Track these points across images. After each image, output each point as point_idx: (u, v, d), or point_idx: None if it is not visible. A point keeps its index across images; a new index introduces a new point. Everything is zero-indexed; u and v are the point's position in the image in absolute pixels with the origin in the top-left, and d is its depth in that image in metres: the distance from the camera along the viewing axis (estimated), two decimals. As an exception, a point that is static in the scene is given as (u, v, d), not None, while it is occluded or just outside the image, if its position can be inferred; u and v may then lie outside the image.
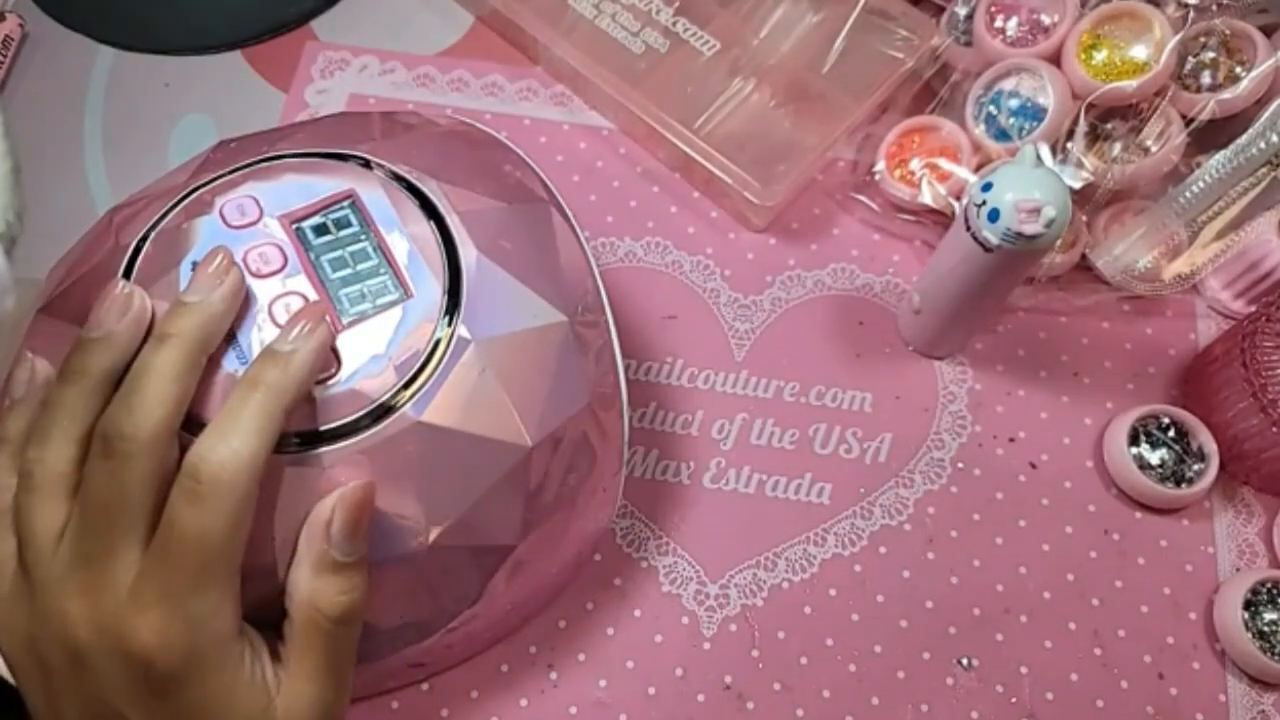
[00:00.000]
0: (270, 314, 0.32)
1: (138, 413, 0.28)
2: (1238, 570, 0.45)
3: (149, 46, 0.57)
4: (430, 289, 0.33)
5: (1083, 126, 0.47)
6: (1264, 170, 0.45)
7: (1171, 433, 0.46)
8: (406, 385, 0.32)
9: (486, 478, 0.33)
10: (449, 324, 0.33)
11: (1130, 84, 0.46)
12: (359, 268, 0.33)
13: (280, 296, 0.32)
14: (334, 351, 0.32)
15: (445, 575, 0.34)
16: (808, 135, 0.51)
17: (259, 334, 0.32)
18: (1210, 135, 0.46)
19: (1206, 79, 0.46)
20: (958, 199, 0.48)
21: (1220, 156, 0.45)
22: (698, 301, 0.50)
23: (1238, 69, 0.46)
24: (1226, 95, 0.46)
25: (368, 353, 0.32)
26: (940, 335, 0.47)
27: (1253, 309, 0.46)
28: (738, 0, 0.55)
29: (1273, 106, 0.45)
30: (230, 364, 0.31)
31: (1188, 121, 0.46)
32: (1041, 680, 0.43)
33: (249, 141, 0.39)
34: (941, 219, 0.50)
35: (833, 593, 0.44)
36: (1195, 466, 0.45)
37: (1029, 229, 0.37)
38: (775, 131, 0.52)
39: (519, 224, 0.36)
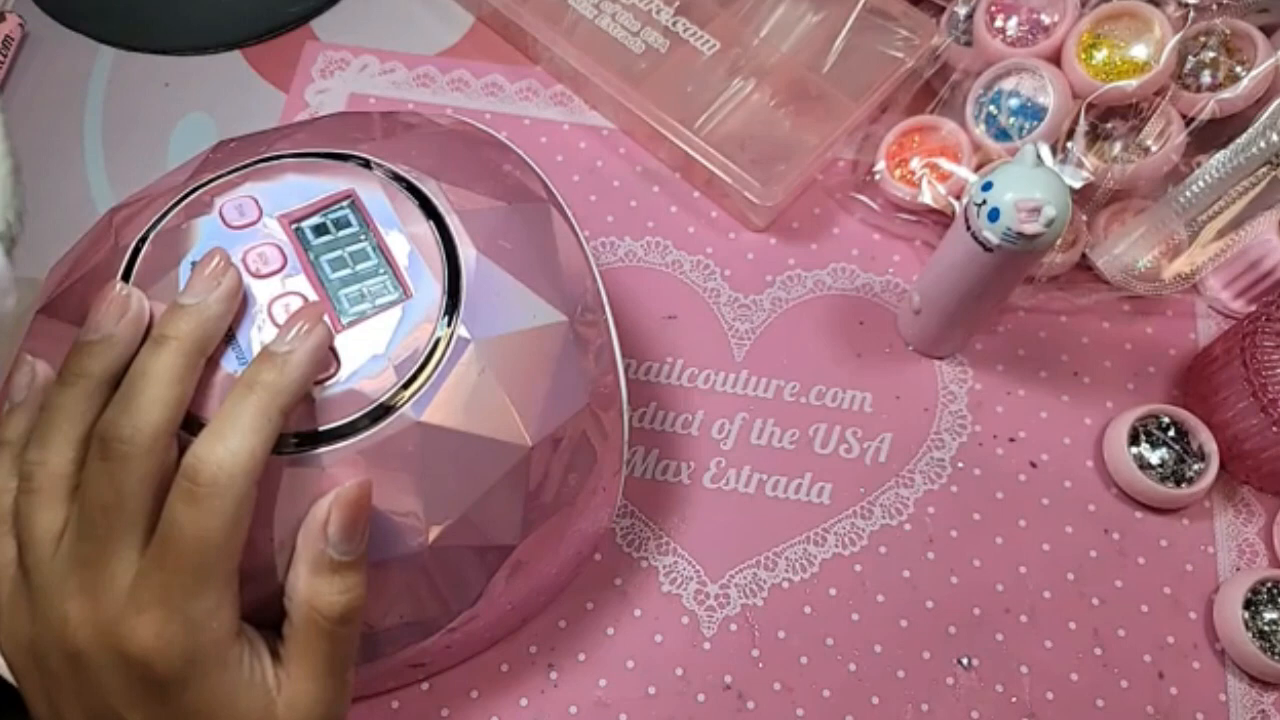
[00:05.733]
0: (270, 314, 0.32)
1: (136, 415, 0.28)
2: (1238, 570, 0.45)
3: (149, 46, 0.57)
4: (430, 289, 0.33)
5: (1083, 126, 0.47)
6: (1264, 170, 0.45)
7: (1171, 432, 0.46)
8: (406, 385, 0.32)
9: (486, 478, 0.33)
10: (448, 324, 0.33)
11: (1130, 84, 0.46)
12: (358, 268, 0.33)
13: (280, 297, 0.32)
14: (333, 351, 0.32)
15: (445, 575, 0.34)
16: (808, 135, 0.51)
17: (259, 334, 0.32)
18: (1210, 135, 0.46)
19: (1206, 79, 0.46)
20: (958, 199, 0.48)
21: (1220, 156, 0.45)
22: (698, 301, 0.50)
23: (1238, 69, 0.46)
24: (1226, 95, 0.46)
25: (367, 353, 0.32)
26: (940, 335, 0.47)
27: (1253, 309, 0.46)
28: (738, 0, 0.55)
29: (1273, 106, 0.45)
30: (230, 364, 0.31)
31: (1188, 121, 0.46)
32: (1041, 680, 0.43)
33: (249, 141, 0.39)
34: (941, 219, 0.50)
35: (833, 592, 0.44)
36: (1195, 466, 0.45)
37: (1029, 228, 0.37)
38: (775, 131, 0.52)
39: (519, 224, 0.36)
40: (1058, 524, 0.46)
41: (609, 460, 0.38)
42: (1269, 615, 0.43)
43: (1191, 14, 0.46)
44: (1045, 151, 0.45)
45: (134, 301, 0.31)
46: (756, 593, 0.44)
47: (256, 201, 0.34)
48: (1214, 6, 0.47)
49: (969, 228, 0.39)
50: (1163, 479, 0.45)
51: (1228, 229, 0.46)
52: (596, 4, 0.55)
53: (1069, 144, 0.47)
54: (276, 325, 0.32)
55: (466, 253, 0.34)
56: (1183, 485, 0.45)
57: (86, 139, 0.55)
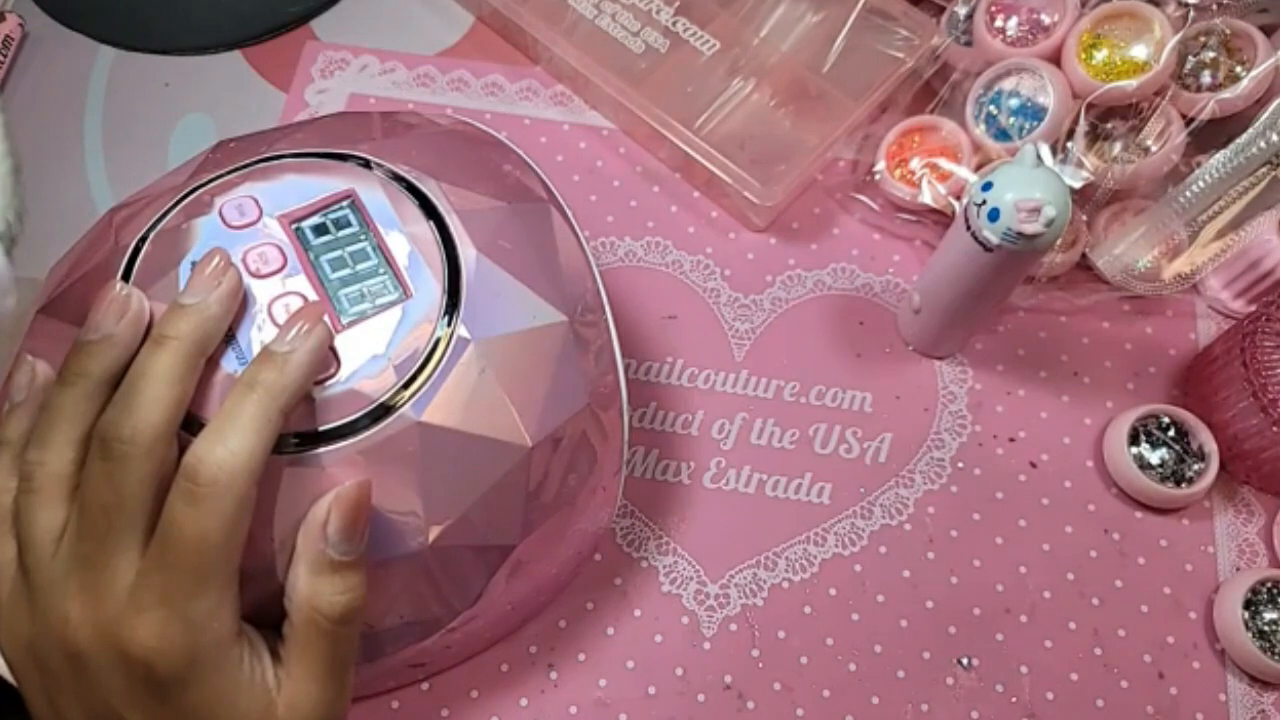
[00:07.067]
0: (270, 314, 0.32)
1: (136, 415, 0.28)
2: (1238, 570, 0.45)
3: (149, 46, 0.57)
4: (430, 289, 0.33)
5: (1083, 126, 0.47)
6: (1264, 170, 0.45)
7: (1171, 432, 0.46)
8: (406, 385, 0.32)
9: (486, 478, 0.33)
10: (448, 324, 0.33)
11: (1130, 84, 0.46)
12: (358, 268, 0.33)
13: (280, 297, 0.32)
14: (333, 351, 0.32)
15: (445, 575, 0.34)
16: (808, 135, 0.51)
17: (259, 334, 0.32)
18: (1210, 135, 0.46)
19: (1206, 79, 0.46)
20: (958, 199, 0.48)
21: (1220, 156, 0.45)
22: (698, 301, 0.50)
23: (1238, 69, 0.46)
24: (1226, 95, 0.46)
25: (367, 353, 0.32)
26: (940, 335, 0.47)
27: (1253, 309, 0.46)
28: (738, 0, 0.55)
29: (1273, 106, 0.45)
30: (230, 364, 0.31)
31: (1188, 121, 0.46)
32: (1041, 680, 0.43)
33: (249, 141, 0.39)
34: (941, 219, 0.50)
35: (833, 592, 0.44)
36: (1195, 466, 0.45)
37: (1029, 228, 0.37)
38: (775, 131, 0.52)
39: (519, 224, 0.36)
40: (1058, 524, 0.46)
41: (609, 460, 0.38)
42: (1269, 615, 0.43)
43: (1191, 14, 0.46)
44: (1045, 151, 0.45)
45: (134, 301, 0.31)
46: (756, 593, 0.44)
47: (256, 201, 0.34)
48: (1214, 6, 0.47)
49: (969, 228, 0.39)
50: (1163, 479, 0.45)
51: (1228, 229, 0.46)
52: (596, 4, 0.55)
53: (1069, 144, 0.47)
54: (276, 325, 0.32)
55: (466, 253, 0.34)
56: (1183, 485, 0.45)
57: (86, 139, 0.55)
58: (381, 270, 0.33)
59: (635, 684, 0.43)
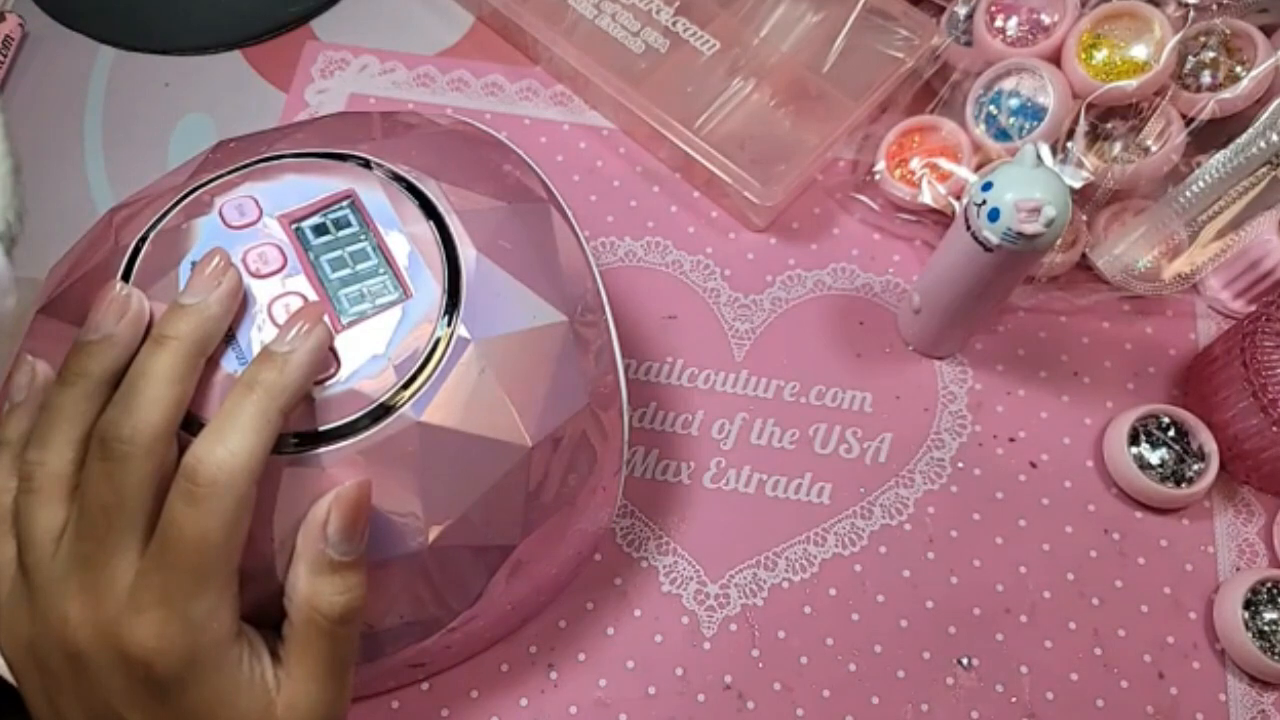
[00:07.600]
0: (270, 314, 0.32)
1: (136, 415, 0.28)
2: (1238, 570, 0.45)
3: (149, 46, 0.57)
4: (430, 289, 0.33)
5: (1083, 126, 0.47)
6: (1264, 170, 0.45)
7: (1171, 432, 0.46)
8: (406, 385, 0.32)
9: (486, 478, 0.33)
10: (448, 324, 0.33)
11: (1130, 84, 0.46)
12: (358, 268, 0.33)
13: (280, 297, 0.32)
14: (333, 352, 0.32)
15: (445, 575, 0.34)
16: (808, 135, 0.51)
17: (259, 334, 0.32)
18: (1210, 135, 0.46)
19: (1206, 79, 0.46)
20: (958, 199, 0.48)
21: (1220, 156, 0.45)
22: (698, 301, 0.50)
23: (1238, 69, 0.46)
24: (1226, 95, 0.46)
25: (367, 353, 0.32)
26: (940, 335, 0.47)
27: (1253, 309, 0.46)
28: (738, 0, 0.55)
29: (1273, 106, 0.45)
30: (230, 364, 0.31)
31: (1188, 121, 0.46)
32: (1041, 680, 0.43)
33: (249, 141, 0.39)
34: (941, 219, 0.50)
35: (833, 592, 0.44)
36: (1195, 466, 0.45)
37: (1029, 228, 0.37)
38: (775, 131, 0.52)
39: (519, 224, 0.36)
40: (1058, 524, 0.46)
41: (609, 460, 0.38)
42: (1269, 615, 0.43)
43: (1191, 14, 0.46)
44: (1045, 151, 0.45)
45: (134, 301, 0.31)
46: (756, 593, 0.44)
47: (256, 201, 0.34)
48: (1214, 6, 0.47)
49: (969, 228, 0.39)
50: (1163, 479, 0.45)
51: (1228, 229, 0.46)
52: (596, 4, 0.55)
53: (1069, 144, 0.47)
54: (276, 325, 0.32)
55: (466, 253, 0.34)
56: (1183, 485, 0.45)
57: (86, 139, 0.55)
58: (381, 270, 0.33)
59: (635, 684, 0.43)
